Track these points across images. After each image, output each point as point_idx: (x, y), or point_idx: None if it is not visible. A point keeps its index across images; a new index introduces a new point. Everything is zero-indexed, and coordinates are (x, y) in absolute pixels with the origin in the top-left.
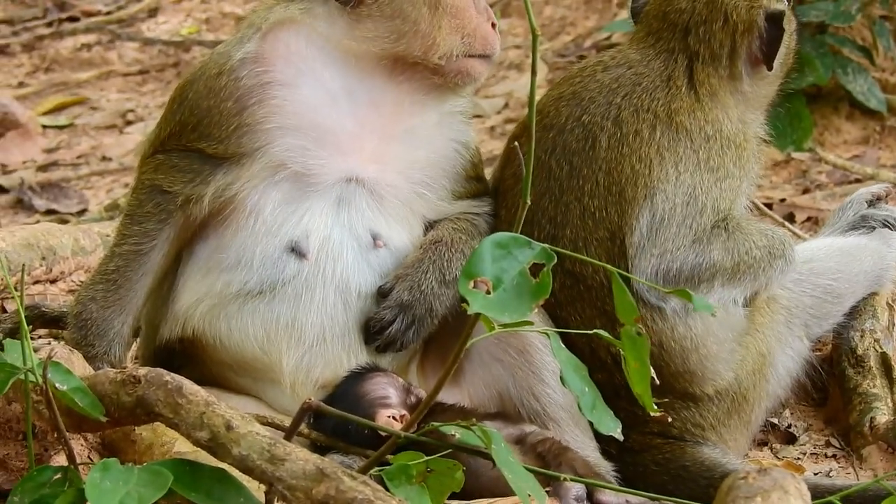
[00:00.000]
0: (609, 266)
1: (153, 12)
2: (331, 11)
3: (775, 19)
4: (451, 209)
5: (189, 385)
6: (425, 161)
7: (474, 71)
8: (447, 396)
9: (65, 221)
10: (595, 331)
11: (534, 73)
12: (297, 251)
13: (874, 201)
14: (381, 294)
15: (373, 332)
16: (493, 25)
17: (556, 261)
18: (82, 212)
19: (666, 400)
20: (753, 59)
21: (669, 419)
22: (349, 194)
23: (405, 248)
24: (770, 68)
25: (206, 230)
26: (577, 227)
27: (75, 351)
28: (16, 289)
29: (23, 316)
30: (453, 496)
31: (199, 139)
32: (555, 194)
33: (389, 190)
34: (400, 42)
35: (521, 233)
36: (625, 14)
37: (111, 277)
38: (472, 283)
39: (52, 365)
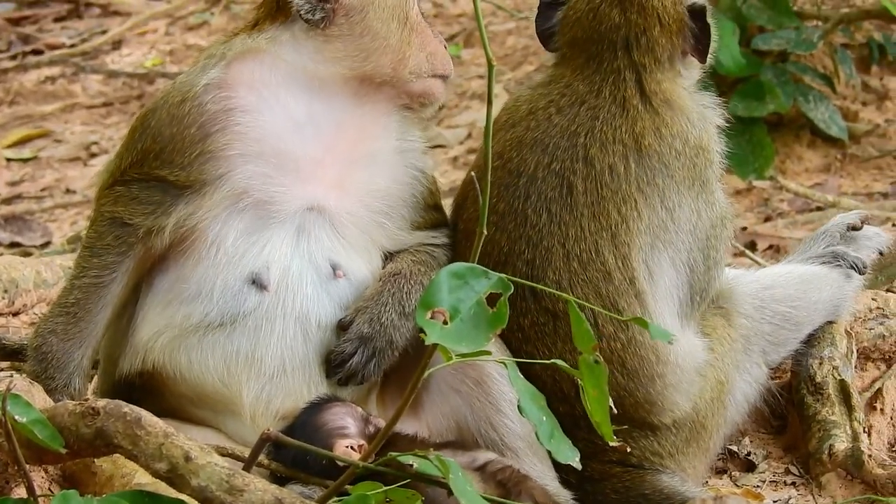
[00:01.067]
0: (565, 295)
1: (117, 45)
2: (296, 37)
3: (699, 14)
4: (409, 239)
5: (148, 416)
6: (385, 189)
7: (437, 91)
8: (406, 426)
9: (28, 254)
10: (553, 360)
11: (489, 102)
12: (257, 283)
13: (850, 230)
14: (342, 327)
15: (333, 365)
16: (445, 46)
17: (512, 290)
18: (46, 244)
19: (625, 427)
20: (683, 53)
21: (628, 449)
22: (309, 224)
23: (365, 278)
24: (704, 62)
25: (167, 261)
26: (560, 269)
27: (35, 383)
28: None
29: None
30: None
31: (162, 166)
32: (532, 240)
33: (349, 218)
34: (370, 59)
35: None
36: None
37: (71, 310)
38: (429, 314)
39: (12, 397)
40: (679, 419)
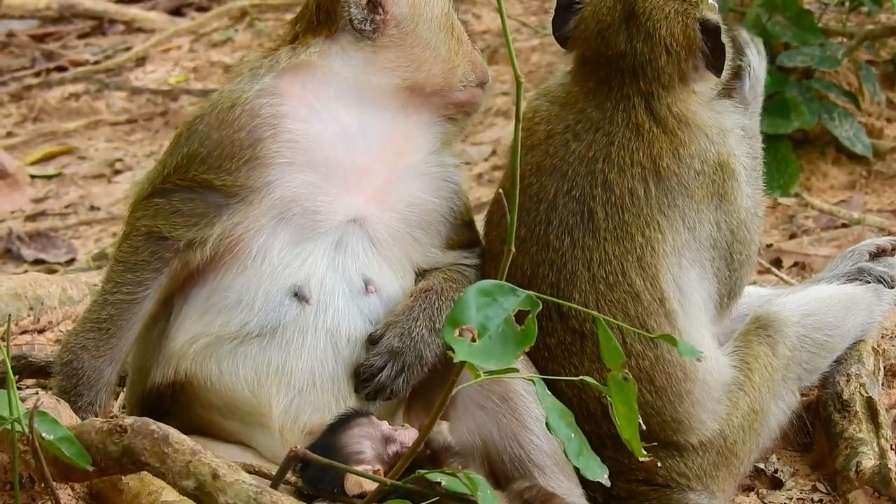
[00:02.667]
0: (594, 312)
1: (141, 61)
2: (345, 49)
3: (713, 32)
4: (443, 258)
5: (175, 434)
6: (425, 203)
7: (480, 98)
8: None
9: (53, 271)
10: (581, 377)
11: (518, 119)
12: (299, 295)
13: (877, 254)
14: (371, 341)
15: (362, 379)
16: (481, 51)
17: (540, 308)
18: (70, 261)
19: (654, 444)
20: (696, 68)
21: (658, 464)
22: (349, 237)
23: (395, 295)
24: (720, 76)
25: (205, 272)
26: (586, 292)
27: (62, 401)
28: (2, 339)
29: (9, 366)
30: None
31: (208, 171)
32: (556, 264)
33: (388, 231)
34: (422, 69)
35: None
36: None
37: (103, 326)
38: (457, 331)
39: (39, 415)
40: (706, 441)
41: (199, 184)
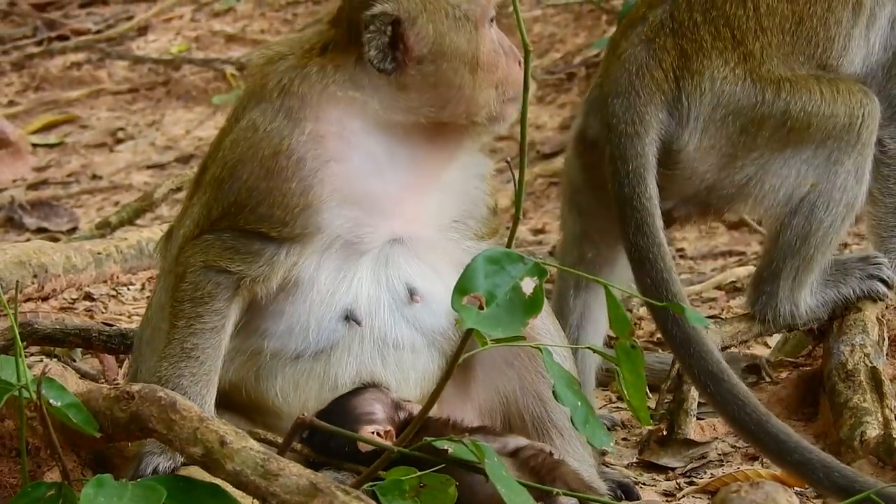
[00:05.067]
0: (601, 280)
1: (143, 31)
2: (374, 82)
3: None
4: (478, 249)
5: (182, 401)
6: (455, 209)
7: (507, 115)
8: (455, 403)
9: (55, 239)
10: (589, 346)
11: (526, 88)
12: (350, 318)
13: None
14: None
15: None
16: (519, 63)
17: (548, 276)
18: (73, 230)
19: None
20: None
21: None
22: (389, 253)
23: (441, 297)
24: None
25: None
26: None
27: (68, 367)
28: (9, 304)
29: (17, 332)
30: None
31: (260, 221)
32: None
33: (425, 243)
34: (445, 110)
35: None
36: (613, 31)
37: (192, 354)
38: (465, 299)
39: (46, 381)
40: None
41: (251, 230)
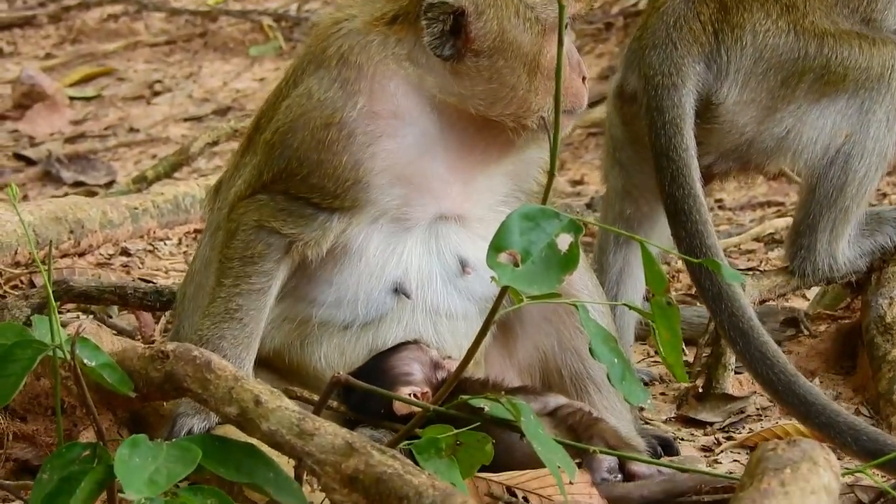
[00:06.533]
0: (637, 237)
1: None
2: (431, 62)
3: None
4: None
5: (217, 360)
6: (504, 186)
7: (563, 126)
8: (497, 362)
9: (93, 193)
10: (625, 302)
11: (560, 43)
12: (400, 290)
13: None
14: None
15: None
16: (584, 79)
17: (583, 232)
18: (110, 183)
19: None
20: None
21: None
22: (439, 228)
23: None
24: None
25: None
26: None
27: (103, 326)
28: (43, 263)
29: (50, 291)
30: (483, 469)
31: (311, 191)
32: None
33: (474, 218)
34: (495, 106)
35: None
36: None
37: (235, 316)
38: (501, 256)
39: (81, 341)
40: None
41: (302, 196)
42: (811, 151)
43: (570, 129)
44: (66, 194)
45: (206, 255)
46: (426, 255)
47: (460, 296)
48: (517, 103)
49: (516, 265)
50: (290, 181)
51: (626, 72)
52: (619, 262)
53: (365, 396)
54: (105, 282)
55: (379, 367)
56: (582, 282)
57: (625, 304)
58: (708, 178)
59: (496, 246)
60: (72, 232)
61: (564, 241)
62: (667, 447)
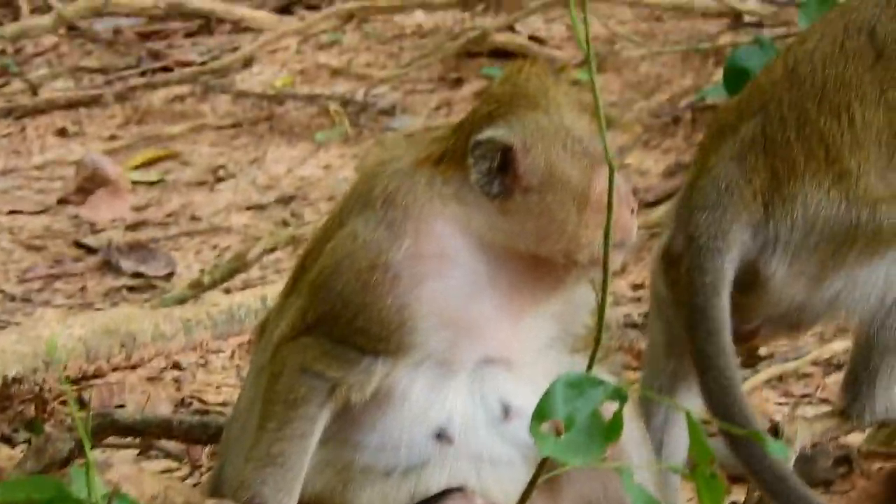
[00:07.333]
0: (683, 406)
1: (248, 63)
2: (478, 201)
3: None
4: (571, 364)
5: None
6: (552, 328)
7: (613, 260)
8: None
9: (152, 286)
10: (669, 466)
11: (592, 77)
12: (443, 435)
13: None
14: None
15: None
16: (633, 211)
17: (628, 401)
18: (169, 275)
19: None
20: None
21: None
22: (484, 372)
23: None
24: None
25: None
26: None
27: (144, 469)
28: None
29: (88, 449)
30: None
31: (355, 334)
32: None
33: (520, 362)
34: (545, 242)
35: None
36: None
37: (277, 461)
38: (544, 425)
39: (118, 499)
40: None
41: (347, 339)
42: (866, 305)
43: (620, 263)
44: (123, 286)
45: (250, 396)
46: (470, 400)
47: (504, 442)
48: (567, 238)
49: (559, 433)
50: (335, 324)
51: (675, 233)
52: (664, 408)
53: None
54: (150, 416)
55: None
56: (630, 432)
57: (670, 468)
58: (748, 336)
59: (539, 414)
60: (123, 345)
61: (609, 409)
62: None
